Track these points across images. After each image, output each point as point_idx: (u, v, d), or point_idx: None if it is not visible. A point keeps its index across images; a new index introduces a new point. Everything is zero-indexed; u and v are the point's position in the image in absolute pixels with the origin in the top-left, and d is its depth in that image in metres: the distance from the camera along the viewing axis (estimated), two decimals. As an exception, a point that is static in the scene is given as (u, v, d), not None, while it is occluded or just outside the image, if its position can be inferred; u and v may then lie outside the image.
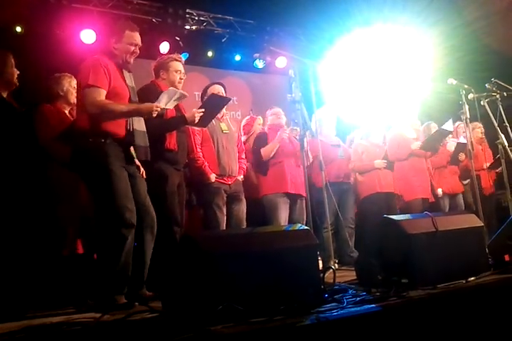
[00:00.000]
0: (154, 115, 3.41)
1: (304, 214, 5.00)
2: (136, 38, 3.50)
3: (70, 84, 4.13)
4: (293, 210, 5.11)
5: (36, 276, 3.61)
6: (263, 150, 5.10)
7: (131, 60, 3.51)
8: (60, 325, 2.61)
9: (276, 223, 4.87)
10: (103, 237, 3.29)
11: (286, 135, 5.08)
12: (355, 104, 6.57)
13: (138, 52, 3.52)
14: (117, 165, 3.29)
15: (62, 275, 3.78)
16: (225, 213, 4.48)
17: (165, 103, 3.50)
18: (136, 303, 3.16)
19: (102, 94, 3.28)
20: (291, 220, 5.04)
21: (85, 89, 3.28)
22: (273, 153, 5.09)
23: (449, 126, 5.98)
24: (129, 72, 3.54)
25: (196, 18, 7.55)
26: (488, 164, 6.29)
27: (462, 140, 6.13)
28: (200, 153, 4.46)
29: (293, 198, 5.10)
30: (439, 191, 6.16)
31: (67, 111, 4.15)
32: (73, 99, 4.12)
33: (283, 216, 4.99)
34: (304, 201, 5.04)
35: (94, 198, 3.41)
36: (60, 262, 3.84)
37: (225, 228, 4.39)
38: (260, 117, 5.76)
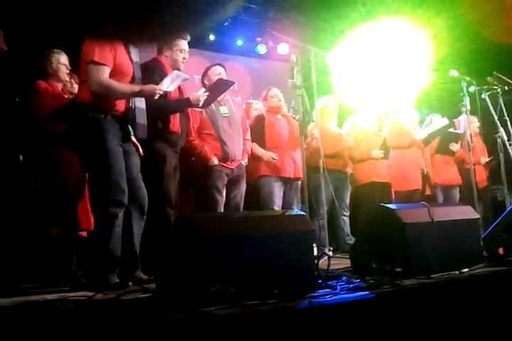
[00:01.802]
0: (156, 97, 3.41)
1: (298, 197, 5.05)
2: None
3: (59, 61, 4.05)
4: (287, 194, 5.08)
5: (28, 254, 3.59)
6: (255, 147, 4.97)
7: None
8: (54, 301, 2.61)
9: (270, 206, 4.85)
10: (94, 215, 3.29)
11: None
12: (356, 93, 6.53)
13: None
14: (114, 143, 3.27)
15: (55, 254, 3.76)
16: (224, 196, 4.45)
17: (167, 86, 3.54)
18: (130, 283, 3.16)
19: (106, 72, 3.24)
20: (285, 204, 5.03)
21: (90, 64, 3.23)
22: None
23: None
24: (135, 46, 3.48)
25: (199, 1, 7.46)
26: (484, 158, 6.27)
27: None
28: (197, 140, 4.42)
29: (288, 182, 5.07)
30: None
31: (59, 89, 4.06)
32: (64, 76, 4.07)
33: (277, 200, 4.95)
34: (298, 184, 5.07)
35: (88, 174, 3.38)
36: (50, 240, 3.81)
37: (222, 211, 4.37)
38: (258, 102, 5.61)
